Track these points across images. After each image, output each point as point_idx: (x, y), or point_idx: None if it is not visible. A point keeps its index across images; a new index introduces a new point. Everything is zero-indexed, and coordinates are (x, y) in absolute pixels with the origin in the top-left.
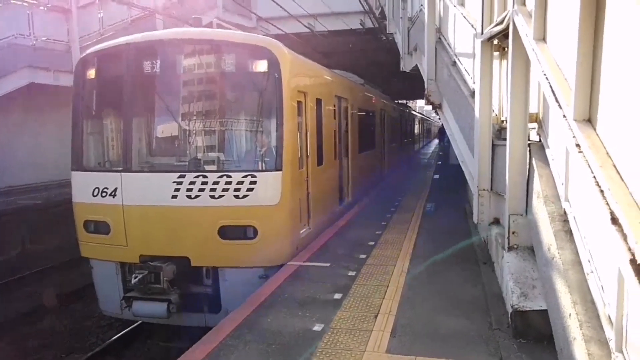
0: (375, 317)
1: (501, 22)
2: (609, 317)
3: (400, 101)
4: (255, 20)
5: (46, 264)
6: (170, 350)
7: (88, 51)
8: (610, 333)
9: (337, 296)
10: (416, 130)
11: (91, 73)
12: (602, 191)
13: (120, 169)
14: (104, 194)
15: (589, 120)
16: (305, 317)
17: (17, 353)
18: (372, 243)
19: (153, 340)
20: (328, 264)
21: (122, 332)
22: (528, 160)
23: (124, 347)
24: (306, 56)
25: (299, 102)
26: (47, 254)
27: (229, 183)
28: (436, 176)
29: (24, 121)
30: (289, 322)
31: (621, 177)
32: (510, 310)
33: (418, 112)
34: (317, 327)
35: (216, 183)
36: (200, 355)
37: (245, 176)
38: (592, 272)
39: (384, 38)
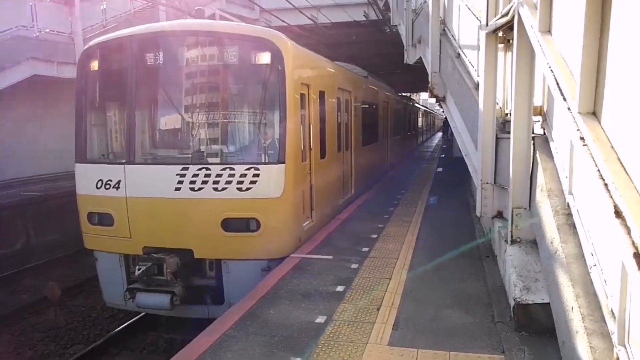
0: (378, 309)
1: (506, 14)
2: (612, 311)
3: (403, 94)
4: (258, 12)
5: (49, 255)
6: (174, 341)
7: (91, 43)
8: (612, 326)
9: (339, 288)
10: (420, 123)
11: (94, 65)
12: (606, 185)
13: (124, 161)
14: (107, 186)
15: (594, 114)
16: (308, 309)
17: (21, 344)
18: (374, 236)
19: (157, 331)
20: (331, 257)
21: (126, 324)
22: (532, 154)
23: (127, 338)
24: (309, 48)
25: (302, 95)
26: (49, 246)
27: (232, 175)
28: (439, 169)
29: (27, 113)
30: (292, 314)
31: (625, 171)
32: (512, 303)
33: (422, 105)
34: (320, 319)
35: (219, 175)
36: (204, 346)
37: (249, 169)
38: (595, 265)
39: (388, 30)
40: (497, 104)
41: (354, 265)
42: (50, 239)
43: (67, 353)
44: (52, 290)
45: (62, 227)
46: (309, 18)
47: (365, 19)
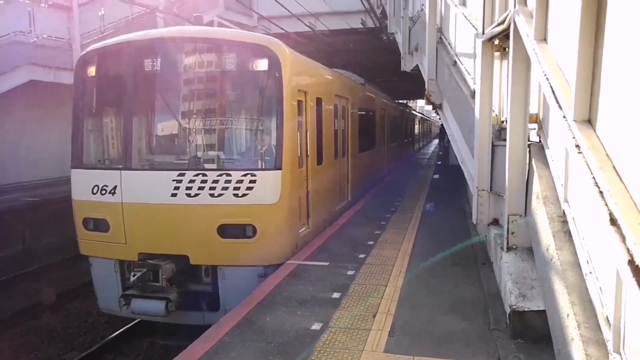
0: (374, 316)
1: (502, 22)
2: (607, 318)
3: (400, 101)
4: (256, 19)
5: (46, 260)
6: (169, 347)
7: (89, 49)
8: (608, 334)
9: (335, 295)
10: (416, 130)
11: (92, 71)
12: (601, 192)
13: (120, 166)
14: (103, 192)
15: (589, 121)
16: (304, 315)
17: (16, 350)
18: (371, 242)
19: (152, 338)
20: (327, 263)
21: (121, 330)
22: (528, 161)
23: (122, 344)
24: (307, 55)
25: (299, 101)
26: (46, 251)
27: (229, 182)
28: (436, 176)
29: (25, 119)
30: (288, 320)
31: (620, 179)
32: (508, 310)
33: (418, 112)
34: (316, 326)
35: (216, 181)
36: (199, 353)
37: (245, 175)
38: (590, 273)
39: (385, 37)
40: (493, 111)
41: (350, 272)
42: (48, 242)
43: (63, 359)
44: (49, 295)
45: (61, 232)
46: (307, 25)
47: (362, 26)
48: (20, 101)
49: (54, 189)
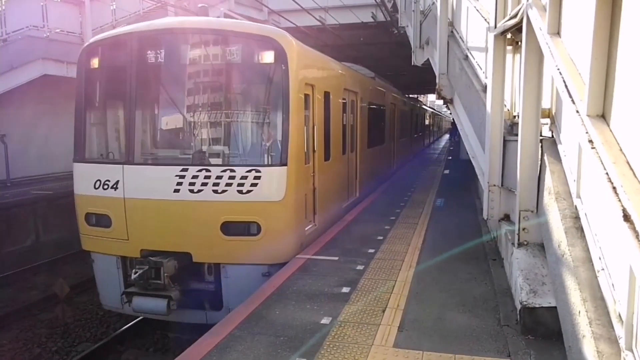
0: (383, 311)
1: (515, 16)
2: (619, 315)
3: (411, 95)
4: (266, 13)
5: (57, 254)
6: (180, 340)
7: (91, 40)
8: (620, 331)
9: (345, 290)
10: (427, 125)
11: (94, 63)
12: (614, 188)
13: (123, 161)
14: (105, 187)
15: (603, 116)
16: (313, 310)
17: (27, 342)
18: (380, 238)
19: (163, 330)
20: (336, 258)
21: (132, 322)
22: (540, 156)
23: (134, 336)
24: (316, 49)
25: (306, 95)
26: (58, 243)
27: (233, 178)
28: (446, 171)
29: (38, 113)
30: (297, 315)
31: (634, 174)
32: (519, 306)
33: (429, 107)
34: (325, 320)
35: (219, 177)
36: (209, 347)
37: (250, 171)
38: (602, 269)
39: (396, 31)
40: (505, 106)
41: (359, 267)
42: (60, 236)
43: (75, 350)
44: (61, 287)
45: (72, 225)
46: (317, 19)
47: (373, 20)
48: (32, 95)
49: (61, 183)
